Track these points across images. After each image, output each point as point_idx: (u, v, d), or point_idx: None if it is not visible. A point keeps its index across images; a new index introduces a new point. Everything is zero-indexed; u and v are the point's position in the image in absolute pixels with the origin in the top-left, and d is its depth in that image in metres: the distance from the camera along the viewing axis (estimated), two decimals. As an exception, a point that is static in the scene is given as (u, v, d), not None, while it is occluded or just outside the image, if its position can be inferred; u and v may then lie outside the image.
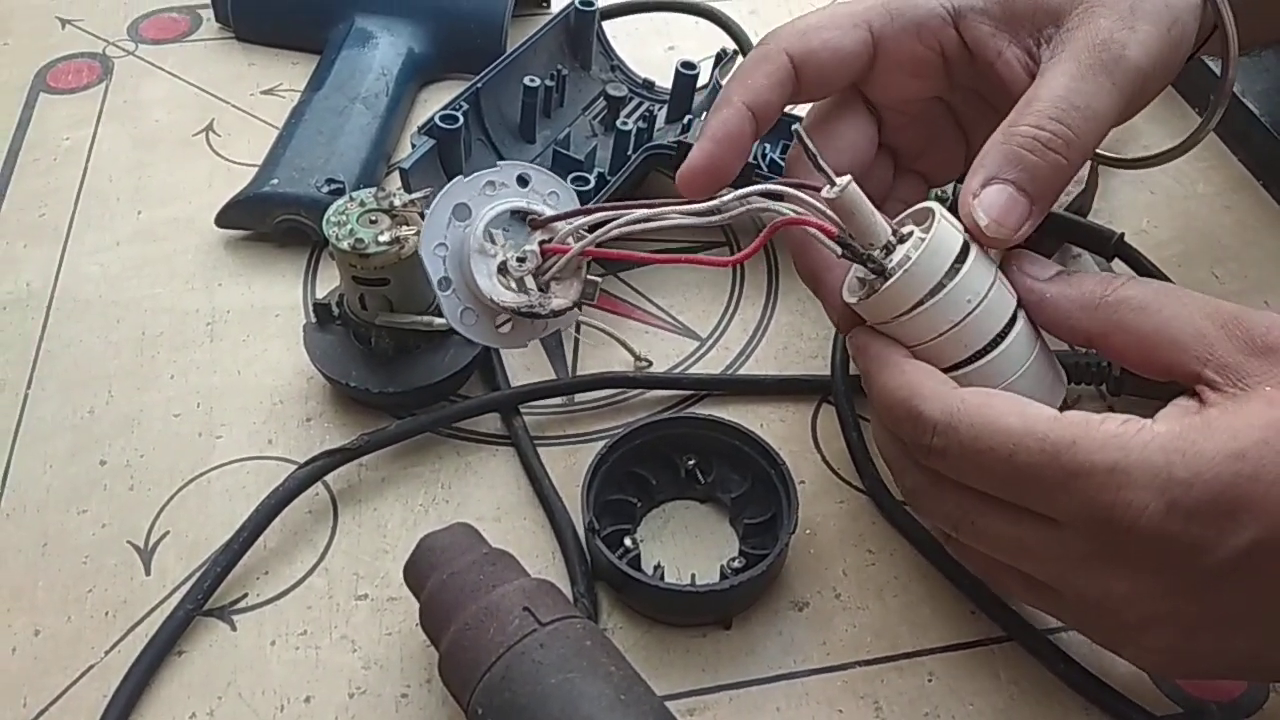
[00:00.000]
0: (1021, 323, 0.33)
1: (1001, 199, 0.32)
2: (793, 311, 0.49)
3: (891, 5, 0.36)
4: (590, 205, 0.36)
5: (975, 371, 0.33)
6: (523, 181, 0.37)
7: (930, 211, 0.33)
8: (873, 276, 0.33)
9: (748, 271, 0.51)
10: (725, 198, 0.33)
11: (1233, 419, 0.28)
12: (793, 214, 0.32)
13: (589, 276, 0.37)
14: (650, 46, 0.63)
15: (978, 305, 0.32)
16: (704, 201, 0.33)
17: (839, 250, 0.32)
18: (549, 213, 0.36)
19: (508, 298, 0.35)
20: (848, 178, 0.31)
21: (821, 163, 0.32)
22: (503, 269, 0.36)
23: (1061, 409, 0.34)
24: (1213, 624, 0.30)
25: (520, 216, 0.36)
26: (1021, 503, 0.30)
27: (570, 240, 0.35)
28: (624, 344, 0.46)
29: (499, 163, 0.37)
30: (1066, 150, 0.32)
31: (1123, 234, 0.47)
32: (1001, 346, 0.33)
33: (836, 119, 0.38)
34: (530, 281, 0.36)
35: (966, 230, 0.33)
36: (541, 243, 0.36)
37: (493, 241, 0.36)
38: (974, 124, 0.40)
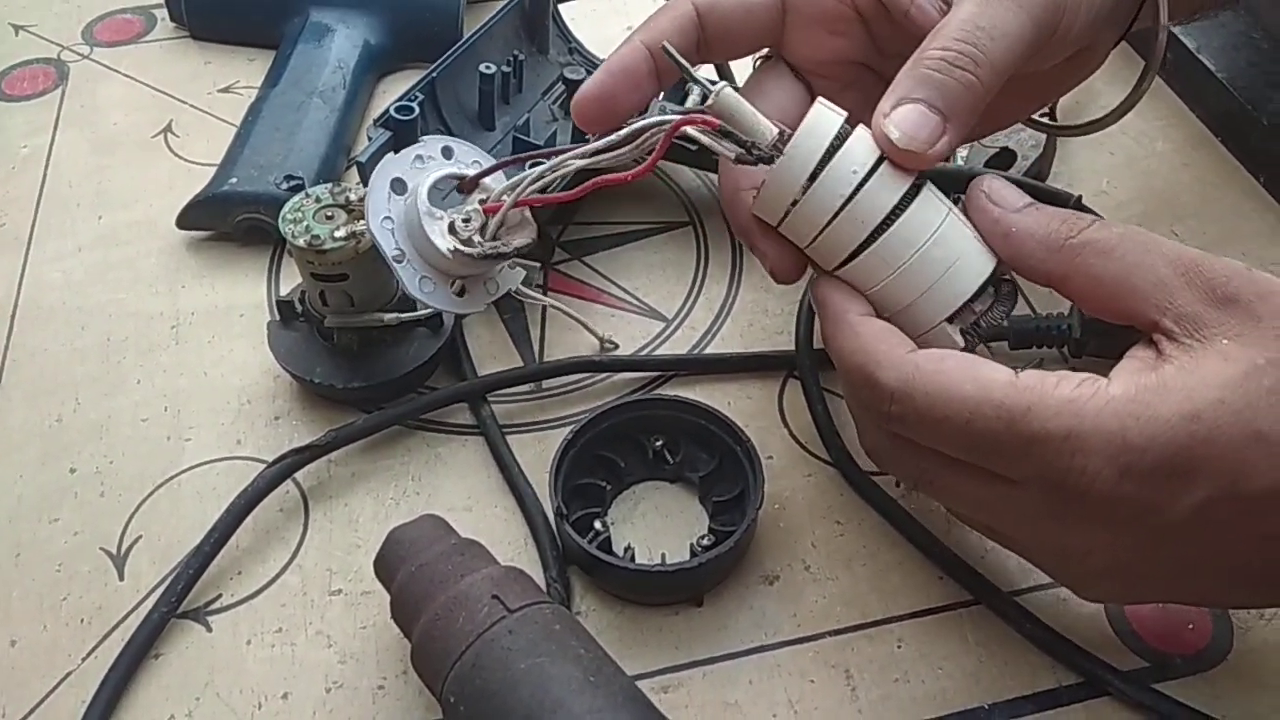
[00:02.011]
0: (925, 197, 0.32)
1: (912, 115, 0.32)
2: (757, 289, 0.49)
3: None
4: (499, 160, 0.40)
5: (875, 252, 0.32)
6: (447, 153, 0.40)
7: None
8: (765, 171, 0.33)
9: (712, 251, 0.51)
10: (618, 133, 0.34)
11: (1188, 377, 0.28)
12: (678, 120, 0.33)
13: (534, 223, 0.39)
14: (608, 27, 0.63)
15: (864, 178, 0.32)
16: (598, 140, 0.35)
17: (732, 154, 0.32)
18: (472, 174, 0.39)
19: (472, 248, 0.37)
20: (723, 83, 0.32)
21: (693, 72, 0.33)
22: (452, 229, 0.38)
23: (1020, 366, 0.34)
24: (1167, 574, 0.30)
25: (452, 182, 0.39)
26: (979, 465, 0.30)
27: (504, 197, 0.38)
28: (587, 327, 0.46)
29: (423, 138, 0.40)
30: (974, 68, 0.32)
31: (1080, 196, 0.48)
32: (901, 219, 0.32)
33: (761, 83, 0.38)
34: (478, 238, 0.38)
35: (881, 148, 0.32)
36: (480, 201, 0.38)
37: (438, 206, 0.38)
38: None
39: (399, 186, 0.39)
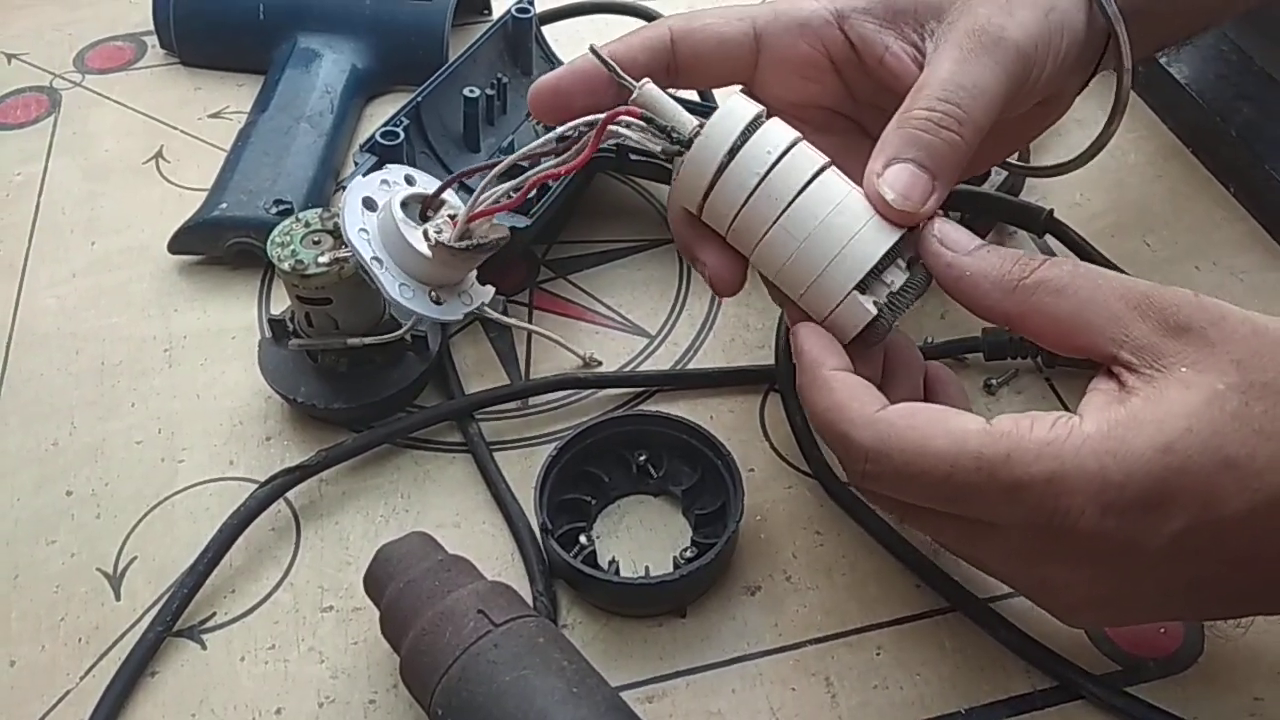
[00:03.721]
0: (830, 175, 0.33)
1: (904, 175, 0.33)
2: (739, 304, 0.50)
3: (777, 6, 0.37)
4: (452, 175, 0.42)
5: (783, 225, 0.33)
6: (410, 180, 0.43)
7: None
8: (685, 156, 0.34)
9: (693, 268, 0.52)
10: (548, 135, 0.35)
11: (1156, 408, 0.29)
12: (606, 116, 0.34)
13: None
14: (591, 48, 0.64)
15: (778, 158, 0.32)
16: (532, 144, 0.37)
17: (658, 146, 0.33)
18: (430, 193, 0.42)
19: (458, 244, 0.40)
20: (646, 80, 0.34)
21: (617, 70, 0.34)
22: (426, 237, 0.40)
23: (991, 398, 0.34)
24: (1146, 600, 0.31)
25: (417, 202, 0.42)
26: (961, 514, 0.31)
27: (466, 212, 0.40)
28: (567, 347, 0.47)
29: (388, 165, 0.43)
30: (959, 127, 0.33)
31: (1052, 210, 0.49)
32: (806, 192, 0.33)
33: None
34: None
35: (877, 208, 0.33)
36: (450, 216, 0.41)
37: (410, 218, 0.41)
38: None
39: (370, 204, 0.41)
